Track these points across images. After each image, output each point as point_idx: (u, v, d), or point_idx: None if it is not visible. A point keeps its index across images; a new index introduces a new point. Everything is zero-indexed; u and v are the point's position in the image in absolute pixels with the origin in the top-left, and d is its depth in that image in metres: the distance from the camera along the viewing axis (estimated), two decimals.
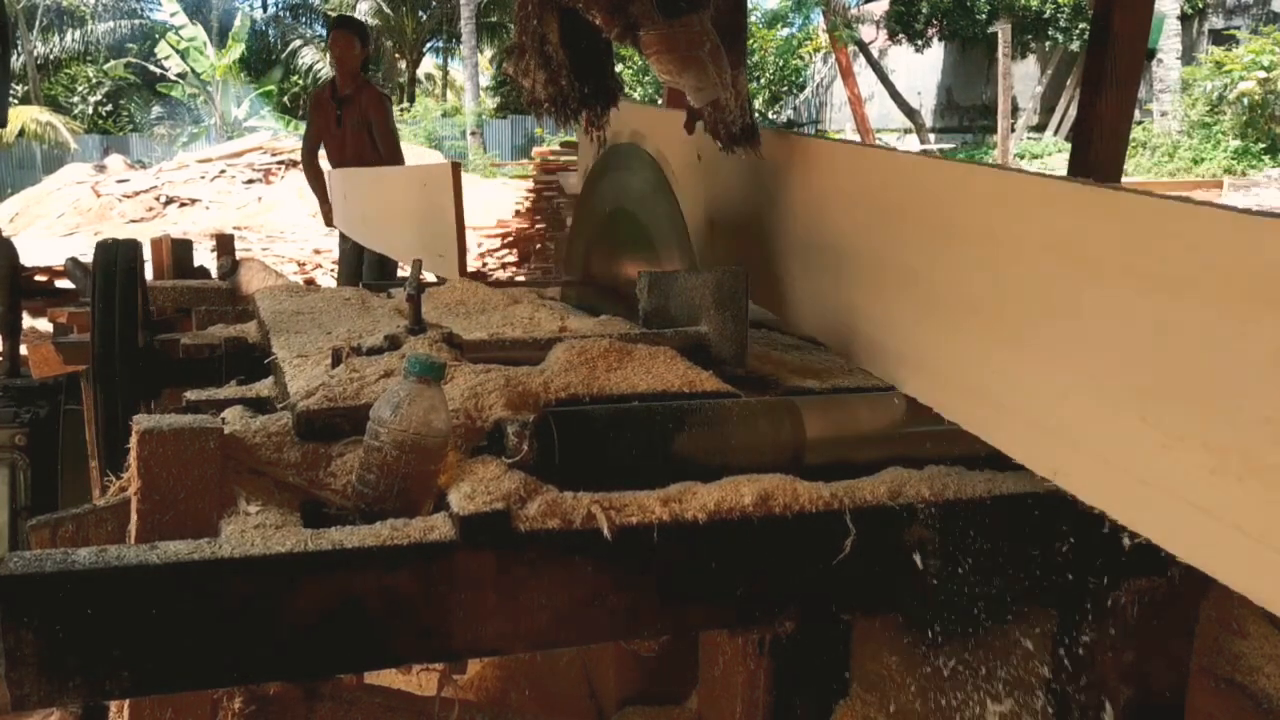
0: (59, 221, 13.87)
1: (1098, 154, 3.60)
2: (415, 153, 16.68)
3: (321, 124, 6.10)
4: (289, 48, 29.97)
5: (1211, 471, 0.96)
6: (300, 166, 7.07)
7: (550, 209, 9.75)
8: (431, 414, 1.18)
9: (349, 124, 5.97)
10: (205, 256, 4.75)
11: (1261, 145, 16.62)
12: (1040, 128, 21.26)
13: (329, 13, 30.09)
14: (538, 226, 10.00)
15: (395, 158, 6.04)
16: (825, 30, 22.11)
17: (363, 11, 27.94)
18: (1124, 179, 5.34)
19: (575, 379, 1.46)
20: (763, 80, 23.51)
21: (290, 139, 17.88)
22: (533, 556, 1.14)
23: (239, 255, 3.63)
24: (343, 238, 6.06)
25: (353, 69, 6.01)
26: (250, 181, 14.82)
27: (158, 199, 14.43)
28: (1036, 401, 1.19)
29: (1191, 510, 0.98)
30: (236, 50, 25.22)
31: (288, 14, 33.10)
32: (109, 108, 30.37)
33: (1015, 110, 20.80)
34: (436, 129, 22.95)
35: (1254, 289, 0.94)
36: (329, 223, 6.21)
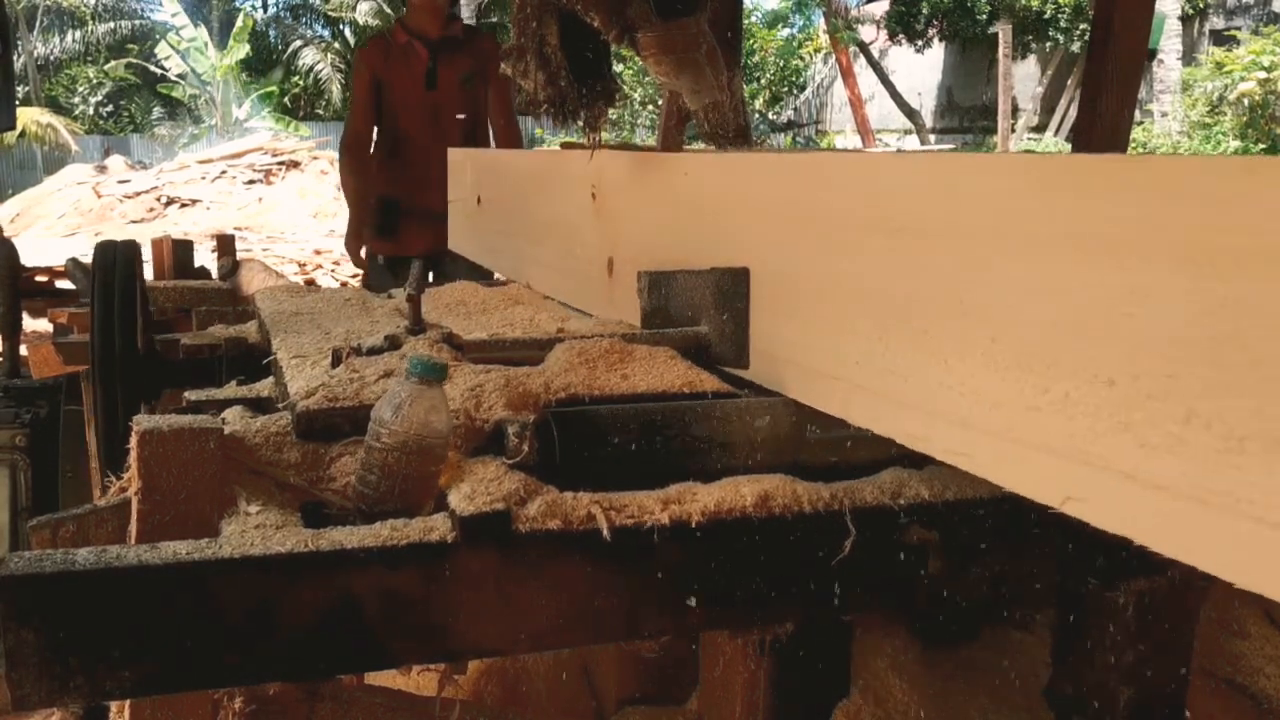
0: (60, 222, 13.87)
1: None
2: None
3: (400, 90, 4.01)
4: (290, 48, 29.99)
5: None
6: (336, 163, 5.12)
7: None
8: (433, 415, 1.18)
9: (452, 85, 4.01)
10: (206, 257, 4.75)
11: (1262, 146, 16.61)
12: (1041, 128, 21.26)
13: (329, 13, 30.10)
14: None
15: (516, 141, 4.31)
16: (826, 31, 22.14)
17: (363, 11, 27.95)
18: None
19: (575, 379, 1.46)
20: (763, 81, 23.49)
21: (290, 139, 17.87)
22: (533, 557, 1.14)
23: (239, 256, 3.63)
24: (375, 266, 4.25)
25: (441, 3, 4.01)
26: (251, 182, 14.83)
27: (159, 199, 14.44)
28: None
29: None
30: (238, 51, 25.23)
31: (288, 14, 33.13)
32: (110, 108, 30.39)
33: (1016, 111, 20.81)
34: None
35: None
36: (361, 250, 4.29)
